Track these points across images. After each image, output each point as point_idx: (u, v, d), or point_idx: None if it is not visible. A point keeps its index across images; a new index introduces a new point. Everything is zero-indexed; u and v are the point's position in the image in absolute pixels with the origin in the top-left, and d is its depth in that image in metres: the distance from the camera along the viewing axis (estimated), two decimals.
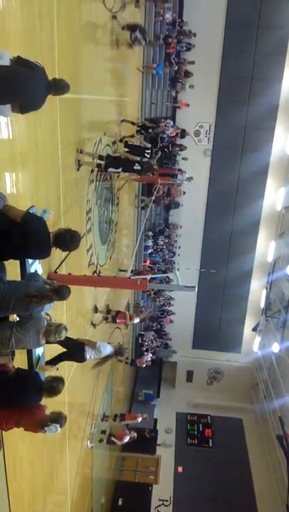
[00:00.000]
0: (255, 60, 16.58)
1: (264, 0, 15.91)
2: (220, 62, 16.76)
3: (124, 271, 11.49)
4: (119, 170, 8.28)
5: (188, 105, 16.92)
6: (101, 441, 11.98)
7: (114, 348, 6.64)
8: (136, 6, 11.86)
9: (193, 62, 16.45)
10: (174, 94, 16.84)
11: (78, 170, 7.43)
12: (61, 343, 5.58)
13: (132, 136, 11.91)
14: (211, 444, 18.96)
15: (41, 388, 4.15)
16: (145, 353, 17.70)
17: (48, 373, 5.53)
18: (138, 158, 8.93)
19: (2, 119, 4.34)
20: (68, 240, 4.02)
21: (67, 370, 7.77)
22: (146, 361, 16.28)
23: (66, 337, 4.49)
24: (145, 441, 18.16)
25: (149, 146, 10.65)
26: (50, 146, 5.99)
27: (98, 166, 7.91)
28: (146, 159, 9.41)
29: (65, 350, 6.22)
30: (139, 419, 13.04)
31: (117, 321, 10.78)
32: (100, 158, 7.88)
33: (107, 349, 6.43)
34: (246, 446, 18.88)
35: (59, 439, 7.78)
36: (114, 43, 9.95)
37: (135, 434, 12.53)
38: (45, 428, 4.20)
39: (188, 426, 19.78)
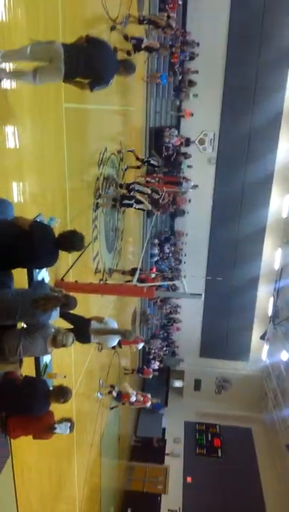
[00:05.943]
0: (258, 69, 16.73)
1: (266, 11, 16.13)
2: (223, 71, 16.95)
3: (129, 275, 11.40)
4: (132, 202, 9.68)
5: (192, 114, 17.05)
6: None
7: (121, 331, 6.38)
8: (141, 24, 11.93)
9: (196, 72, 16.63)
10: (179, 104, 17.01)
11: (95, 211, 8.50)
12: (67, 317, 5.40)
13: (138, 167, 12.72)
14: (220, 454, 18.76)
15: (49, 395, 4.17)
16: (152, 361, 17.63)
17: (55, 381, 5.55)
18: (148, 191, 10.37)
19: (9, 129, 4.42)
20: (71, 239, 4.06)
21: (74, 377, 7.77)
22: (152, 371, 16.18)
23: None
24: (153, 451, 18.07)
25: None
26: (56, 155, 6.07)
27: (113, 205, 9.32)
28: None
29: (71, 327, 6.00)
30: (148, 404, 12.64)
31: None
32: (114, 200, 9.33)
33: (115, 324, 6.26)
34: (256, 455, 18.63)
35: (67, 448, 7.76)
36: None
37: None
38: (56, 425, 4.20)
39: (196, 435, 19.62)
